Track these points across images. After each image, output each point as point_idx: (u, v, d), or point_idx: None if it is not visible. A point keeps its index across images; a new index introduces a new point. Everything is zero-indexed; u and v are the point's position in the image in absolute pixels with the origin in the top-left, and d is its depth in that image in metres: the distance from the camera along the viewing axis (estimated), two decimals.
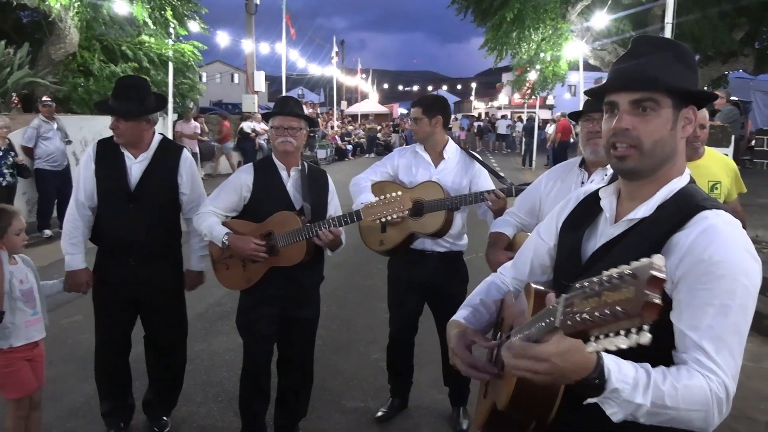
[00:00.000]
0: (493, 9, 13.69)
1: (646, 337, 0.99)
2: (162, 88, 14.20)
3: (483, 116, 54.00)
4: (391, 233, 3.79)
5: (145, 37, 13.61)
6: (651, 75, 1.46)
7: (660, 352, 1.31)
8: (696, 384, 1.33)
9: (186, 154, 3.59)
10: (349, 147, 29.37)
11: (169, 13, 13.11)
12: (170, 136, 14.98)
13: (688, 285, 1.39)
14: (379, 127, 35.02)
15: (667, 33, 8.12)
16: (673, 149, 1.51)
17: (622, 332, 1.00)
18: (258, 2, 22.51)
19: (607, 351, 1.04)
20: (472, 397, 4.06)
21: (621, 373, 1.29)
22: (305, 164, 3.54)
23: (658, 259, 0.99)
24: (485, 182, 3.75)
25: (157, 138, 3.54)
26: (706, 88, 16.28)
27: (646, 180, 1.53)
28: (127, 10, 12.15)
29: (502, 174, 3.91)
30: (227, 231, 3.34)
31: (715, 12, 12.65)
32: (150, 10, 12.68)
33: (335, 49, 37.07)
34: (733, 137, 8.44)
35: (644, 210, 1.51)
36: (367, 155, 29.19)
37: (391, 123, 40.08)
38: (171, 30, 13.62)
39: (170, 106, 14.47)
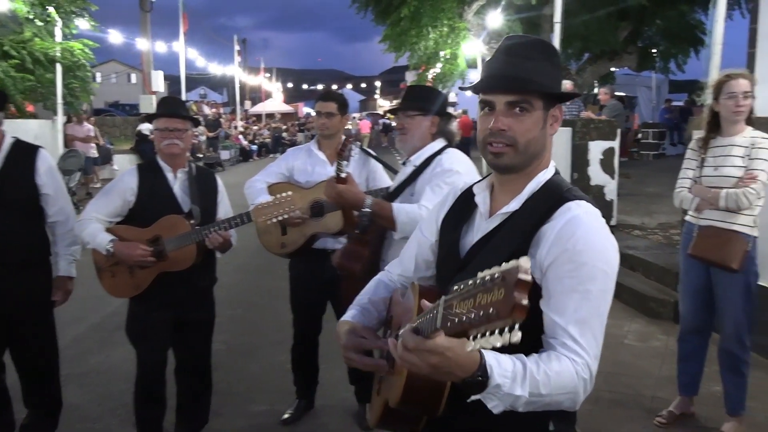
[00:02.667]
0: (392, 7, 13.86)
1: (516, 336, 1.04)
2: (50, 88, 13.45)
3: (387, 114, 54.32)
4: (292, 235, 3.77)
5: (28, 35, 12.81)
6: (526, 78, 1.53)
7: (531, 337, 1.38)
8: (565, 369, 1.41)
9: (43, 153, 3.32)
10: (254, 147, 28.92)
11: (52, 12, 12.43)
12: (60, 139, 14.23)
13: (555, 273, 1.48)
14: (284, 127, 34.68)
15: (557, 32, 8.50)
16: (543, 146, 1.61)
17: (497, 331, 1.05)
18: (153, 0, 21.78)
19: (484, 349, 1.10)
20: None
21: (501, 368, 1.34)
22: (192, 165, 3.46)
23: (524, 261, 1.03)
24: (382, 179, 3.80)
25: (8, 141, 3.26)
26: (595, 84, 17.16)
27: (517, 175, 1.61)
28: (7, 6, 11.43)
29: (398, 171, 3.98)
30: (112, 237, 3.22)
31: (601, 14, 13.33)
32: (31, 6, 11.97)
33: (237, 47, 36.38)
34: (618, 130, 8.91)
35: (515, 204, 1.60)
36: (272, 155, 28.82)
37: (297, 122, 39.79)
38: (57, 27, 12.92)
39: (60, 107, 13.74)
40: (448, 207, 1.83)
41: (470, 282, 1.12)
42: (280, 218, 3.25)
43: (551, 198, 1.56)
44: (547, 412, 1.49)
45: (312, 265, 3.78)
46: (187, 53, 25.08)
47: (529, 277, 1.02)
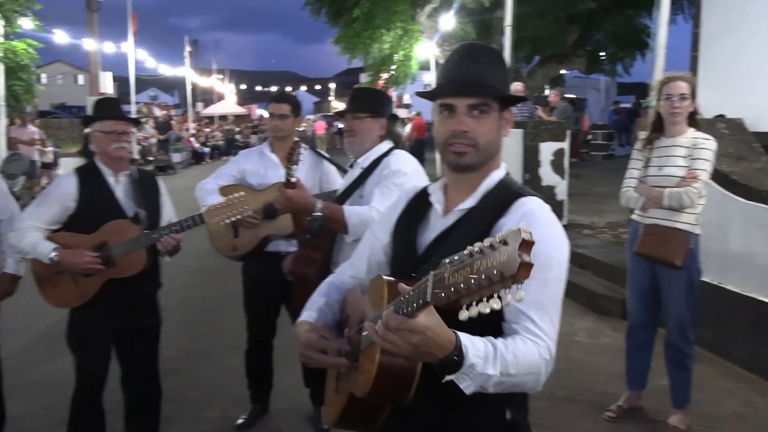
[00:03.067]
0: (345, 9, 13.87)
1: (521, 294, 1.10)
2: None
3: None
4: (244, 238, 3.73)
5: None
6: (486, 83, 1.62)
7: (491, 325, 1.49)
8: (529, 351, 1.49)
9: None
10: (207, 150, 28.51)
11: None
12: (3, 142, 13.77)
13: None
14: (237, 129, 34.29)
15: (508, 35, 8.65)
16: (499, 146, 1.71)
17: (495, 296, 1.11)
18: None
19: (481, 314, 1.14)
20: None
21: (474, 348, 1.40)
22: (133, 168, 3.37)
23: (524, 226, 1.11)
24: (336, 181, 3.79)
25: None
26: (545, 86, 17.49)
27: (472, 174, 1.69)
28: None
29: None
30: (55, 246, 3.09)
31: (550, 18, 13.61)
32: None
33: (188, 48, 35.80)
34: (568, 132, 9.10)
35: (471, 201, 1.68)
36: (225, 158, 28.45)
37: (251, 124, 39.40)
38: None
39: (2, 109, 13.32)
40: (402, 208, 1.89)
41: (465, 252, 1.16)
42: (233, 219, 3.19)
43: (506, 194, 1.66)
44: (504, 401, 1.60)
45: (265, 268, 3.73)
46: (136, 54, 24.56)
47: (533, 238, 1.10)
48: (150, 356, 3.51)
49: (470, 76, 1.63)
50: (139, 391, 3.50)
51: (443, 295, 1.18)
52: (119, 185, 3.27)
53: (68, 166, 17.34)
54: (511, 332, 1.53)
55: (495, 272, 1.09)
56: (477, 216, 1.64)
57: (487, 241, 1.14)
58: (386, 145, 3.03)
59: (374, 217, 2.77)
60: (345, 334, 1.79)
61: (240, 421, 4.01)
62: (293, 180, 2.87)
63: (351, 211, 2.84)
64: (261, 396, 4.12)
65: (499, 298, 1.11)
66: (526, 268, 1.07)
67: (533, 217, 1.57)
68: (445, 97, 1.65)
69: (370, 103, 3.04)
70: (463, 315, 1.16)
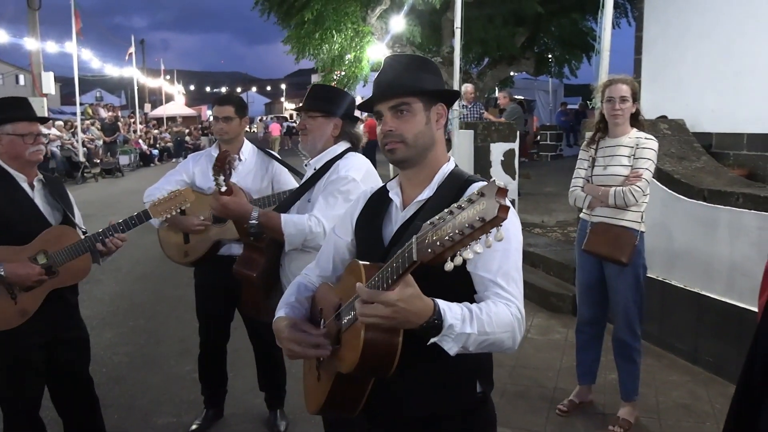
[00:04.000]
0: (295, 9, 13.78)
1: (501, 234, 1.24)
2: None
3: (294, 117, 54.23)
4: (195, 243, 3.68)
5: None
6: (401, 84, 1.79)
7: (465, 298, 1.66)
8: (502, 310, 1.63)
9: None
10: (155, 152, 27.94)
11: None
12: None
13: None
14: (187, 130, 33.71)
15: (457, 38, 8.71)
16: (432, 138, 1.85)
17: (479, 242, 1.24)
18: None
19: (466, 260, 1.27)
20: (289, 397, 4.07)
21: (452, 311, 1.55)
22: (42, 174, 3.15)
23: (495, 180, 1.26)
24: (286, 181, 3.76)
25: None
26: (496, 88, 17.73)
27: (418, 167, 1.85)
28: None
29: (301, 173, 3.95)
30: None
31: (498, 20, 13.80)
32: None
33: (131, 48, 35.01)
34: (518, 133, 9.24)
35: (428, 192, 1.83)
36: (174, 160, 27.94)
37: (200, 125, 38.79)
38: None
39: None
40: (361, 208, 2.02)
41: (444, 212, 1.29)
42: (177, 210, 3.15)
43: (458, 182, 1.80)
44: (474, 372, 1.79)
45: (217, 273, 3.64)
46: (80, 54, 23.91)
47: (506, 186, 1.26)
48: (86, 365, 3.30)
49: (386, 81, 1.82)
50: (79, 405, 3.29)
51: (429, 251, 1.29)
52: (36, 192, 3.04)
53: None
54: (484, 299, 1.68)
55: (477, 218, 1.21)
56: (435, 204, 1.74)
57: (464, 198, 1.27)
58: (341, 146, 2.94)
59: (312, 227, 2.73)
60: (322, 325, 1.88)
61: (194, 426, 3.94)
62: (224, 189, 2.79)
63: (288, 220, 2.78)
64: (215, 401, 4.06)
65: (481, 241, 1.24)
66: (504, 210, 1.20)
67: None
68: (373, 105, 1.84)
69: (324, 101, 2.93)
70: (449, 266, 1.28)
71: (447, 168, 1.87)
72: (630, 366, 3.94)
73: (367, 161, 2.95)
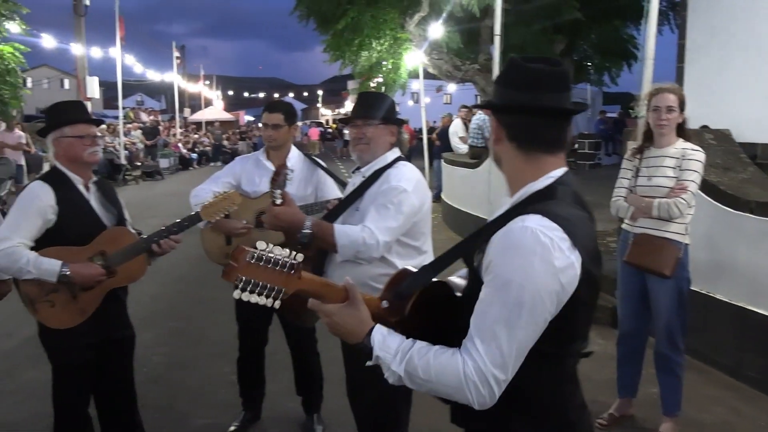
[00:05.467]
0: (335, 17, 13.90)
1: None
2: None
3: (330, 123, 54.70)
4: (237, 246, 3.72)
5: None
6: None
7: (455, 341, 1.58)
8: (451, 365, 1.52)
9: None
10: (194, 155, 28.39)
11: None
12: None
13: (485, 280, 1.55)
14: (225, 135, 34.19)
15: (496, 45, 8.69)
16: (499, 157, 1.74)
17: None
18: (87, 3, 21.14)
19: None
20: (326, 402, 4.08)
21: (385, 343, 1.59)
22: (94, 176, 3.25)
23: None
24: (331, 190, 3.78)
25: None
26: None
27: (510, 187, 1.75)
28: None
29: (347, 180, 3.97)
30: (61, 261, 2.88)
31: (537, 27, 13.73)
32: None
33: (175, 54, 35.67)
34: None
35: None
36: (212, 164, 28.35)
37: (238, 130, 39.31)
38: None
39: None
40: None
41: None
42: (226, 212, 3.22)
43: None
44: (509, 408, 1.58)
45: None
46: (124, 59, 24.45)
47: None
48: (130, 365, 3.39)
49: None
50: (118, 404, 3.36)
51: None
52: (91, 193, 3.13)
53: None
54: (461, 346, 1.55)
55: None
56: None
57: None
58: (392, 154, 2.90)
59: (366, 239, 2.65)
60: None
61: (231, 428, 3.98)
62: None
63: (341, 231, 2.70)
64: (252, 404, 4.10)
65: None
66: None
67: (507, 236, 1.52)
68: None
69: (381, 109, 2.88)
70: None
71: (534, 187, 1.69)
72: (672, 380, 3.87)
73: (418, 171, 2.90)
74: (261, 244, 1.62)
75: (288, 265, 1.64)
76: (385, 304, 1.70)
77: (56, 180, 3.04)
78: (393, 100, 3.02)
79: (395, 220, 2.62)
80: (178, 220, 3.18)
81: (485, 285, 1.53)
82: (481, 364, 1.49)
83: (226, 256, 3.76)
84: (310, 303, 1.69)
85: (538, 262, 1.47)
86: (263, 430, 4.09)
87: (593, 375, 4.88)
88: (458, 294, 1.75)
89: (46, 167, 17.09)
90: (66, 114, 3.08)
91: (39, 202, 2.95)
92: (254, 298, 1.64)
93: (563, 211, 1.55)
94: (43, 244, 2.94)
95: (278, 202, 2.78)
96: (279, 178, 2.82)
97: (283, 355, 4.18)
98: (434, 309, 1.72)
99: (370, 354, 1.60)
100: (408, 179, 2.77)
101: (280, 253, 1.64)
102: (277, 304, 1.65)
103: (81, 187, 3.09)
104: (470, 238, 1.69)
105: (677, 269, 3.66)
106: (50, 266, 2.86)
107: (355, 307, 1.65)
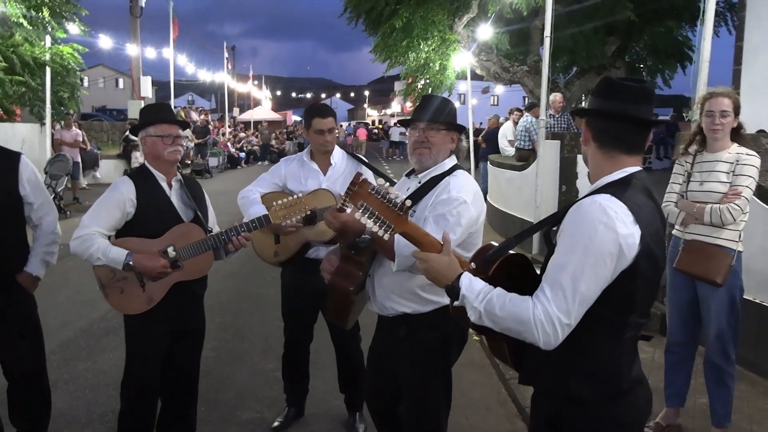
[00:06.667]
0: (384, 18, 13.94)
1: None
2: (39, 93, 13.36)
3: (376, 123, 54.93)
4: (285, 243, 3.78)
5: (18, 38, 12.73)
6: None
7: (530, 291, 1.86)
8: (523, 304, 1.80)
9: (25, 160, 3.31)
10: (242, 155, 28.85)
11: (46, 13, 12.38)
12: (48, 143, 14.13)
13: (557, 244, 1.87)
14: (273, 135, 34.66)
15: (546, 46, 8.58)
16: (586, 155, 2.04)
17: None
18: (143, 5, 21.75)
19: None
20: None
21: (471, 285, 1.88)
22: (182, 174, 3.45)
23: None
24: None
25: None
26: (583, 97, 17.33)
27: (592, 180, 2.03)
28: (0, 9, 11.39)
29: (394, 180, 3.98)
30: (128, 252, 3.10)
31: (589, 28, 13.49)
32: (25, 9, 11.94)
33: (226, 54, 36.34)
34: None
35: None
36: (260, 163, 28.77)
37: (285, 130, 39.79)
38: (48, 31, 12.88)
39: (48, 112, 13.67)
40: None
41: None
42: (295, 219, 3.31)
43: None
44: (564, 369, 1.89)
45: (304, 274, 3.76)
46: (176, 59, 25.04)
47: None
48: (197, 357, 3.57)
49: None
50: (179, 394, 3.54)
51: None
52: (173, 190, 3.33)
53: (108, 168, 17.78)
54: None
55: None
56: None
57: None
58: (450, 161, 2.86)
59: None
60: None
61: (276, 423, 4.06)
62: (348, 211, 2.79)
63: (401, 241, 2.56)
64: (297, 399, 4.17)
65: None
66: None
67: (578, 208, 1.84)
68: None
69: (446, 114, 2.83)
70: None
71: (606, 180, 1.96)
72: (722, 391, 3.77)
73: (475, 182, 2.85)
74: (380, 180, 1.87)
75: (399, 206, 1.92)
76: (473, 265, 1.99)
77: (140, 176, 3.31)
78: (454, 106, 2.96)
79: (454, 232, 2.58)
80: (246, 221, 3.37)
81: (557, 246, 1.84)
82: (548, 306, 1.75)
83: (275, 253, 3.83)
84: (414, 252, 2.02)
85: (603, 228, 1.75)
86: (306, 426, 4.15)
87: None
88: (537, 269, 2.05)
89: (102, 164, 17.67)
90: (150, 115, 3.34)
91: (120, 195, 3.19)
92: (370, 224, 1.91)
93: (632, 196, 1.84)
94: (123, 234, 3.22)
95: (348, 211, 2.77)
96: (353, 188, 2.84)
97: (327, 353, 4.24)
98: (513, 274, 1.97)
99: (457, 295, 1.88)
100: (468, 190, 2.73)
101: (394, 193, 1.90)
102: (387, 236, 1.94)
103: (164, 184, 3.31)
104: (549, 217, 2.02)
105: (729, 277, 3.57)
106: (117, 255, 3.09)
107: (449, 256, 1.98)
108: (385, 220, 1.91)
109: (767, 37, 6.74)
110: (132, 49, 21.52)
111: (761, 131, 5.99)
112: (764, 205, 4.78)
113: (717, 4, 14.14)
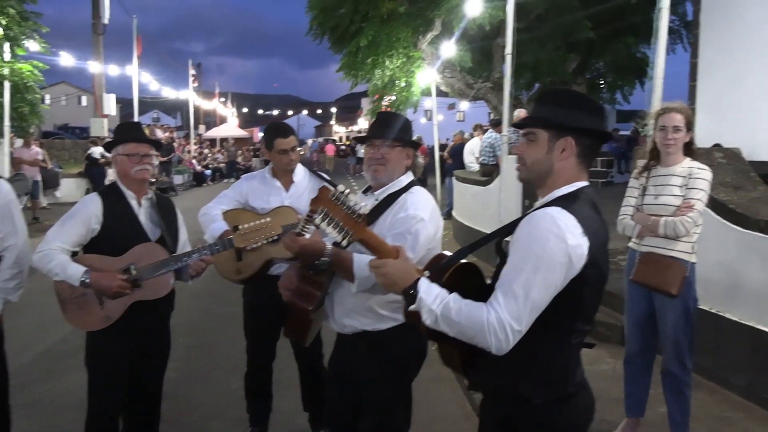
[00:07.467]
0: (349, 35, 14.05)
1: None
2: None
3: (344, 140, 55.05)
4: (248, 261, 3.76)
5: None
6: (533, 116, 2.07)
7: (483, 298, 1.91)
8: (477, 310, 1.86)
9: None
10: (208, 172, 28.62)
11: (0, 34, 12.22)
12: (7, 162, 13.85)
13: (509, 254, 1.94)
14: (239, 152, 34.44)
15: (508, 63, 8.73)
16: (550, 167, 2.01)
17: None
18: (106, 22, 21.51)
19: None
20: None
21: (429, 289, 1.93)
22: (153, 192, 3.44)
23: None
24: None
25: None
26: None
27: (541, 189, 2.06)
28: None
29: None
30: (85, 269, 3.09)
31: (550, 46, 13.78)
32: None
33: (191, 71, 36.11)
34: None
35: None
36: (226, 180, 28.57)
37: (252, 147, 39.58)
38: (6, 49, 12.68)
39: (6, 129, 13.42)
40: None
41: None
42: (261, 243, 3.29)
43: (544, 204, 2.00)
44: (515, 376, 1.96)
45: (266, 292, 3.71)
46: (140, 77, 24.81)
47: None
48: (160, 378, 3.52)
49: (533, 110, 2.14)
50: (141, 415, 3.48)
51: None
52: (142, 209, 3.32)
53: (70, 186, 17.47)
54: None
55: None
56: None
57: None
58: (407, 177, 2.87)
59: None
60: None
61: None
62: (308, 236, 2.75)
63: (360, 262, 2.60)
64: (260, 419, 4.12)
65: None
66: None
67: (530, 219, 1.92)
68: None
69: (401, 130, 2.85)
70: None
71: (557, 193, 2.00)
72: (679, 399, 3.85)
73: (431, 197, 2.87)
74: (341, 187, 1.95)
75: (357, 214, 1.97)
76: (427, 273, 2.02)
77: (110, 193, 3.32)
78: (410, 122, 2.97)
79: (413, 250, 2.59)
80: (210, 243, 3.35)
81: (510, 255, 1.91)
82: (501, 313, 1.82)
83: (237, 271, 3.80)
84: (371, 261, 2.06)
85: (554, 239, 1.84)
86: None
87: (602, 394, 4.84)
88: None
89: (63, 183, 17.36)
90: (120, 133, 3.37)
91: (85, 211, 3.21)
92: (329, 230, 1.95)
93: (580, 209, 1.93)
94: (89, 250, 3.22)
95: (307, 236, 2.76)
96: (314, 215, 2.84)
97: (291, 372, 4.21)
98: (464, 283, 2.02)
99: (414, 298, 1.92)
100: (425, 207, 2.74)
101: (354, 200, 1.94)
102: (345, 242, 1.99)
103: (133, 202, 3.30)
104: (500, 229, 2.09)
105: (684, 288, 3.66)
106: (74, 272, 3.08)
107: (406, 262, 2.06)
108: (344, 227, 1.95)
109: (721, 54, 6.94)
110: (94, 67, 21.24)
111: (716, 145, 6.15)
112: (719, 218, 4.91)
113: (672, 21, 14.60)
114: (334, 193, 1.85)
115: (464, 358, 2.06)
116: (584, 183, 2.04)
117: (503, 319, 1.82)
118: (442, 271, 2.04)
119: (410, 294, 1.94)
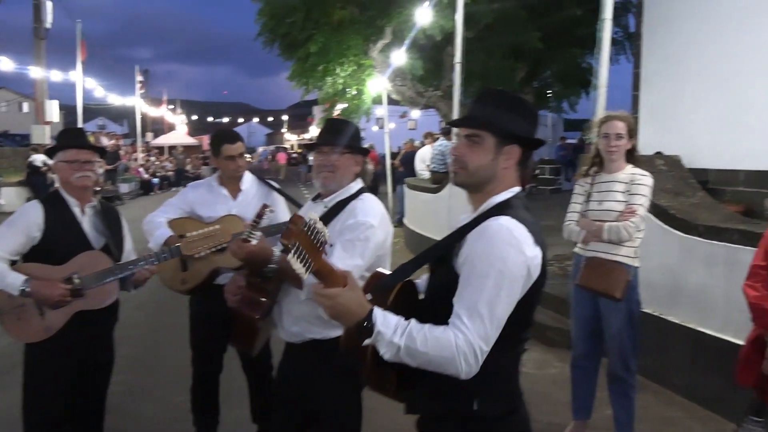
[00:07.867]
0: (299, 42, 13.99)
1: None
2: None
3: (295, 148, 54.81)
4: (194, 271, 3.67)
5: None
6: (477, 116, 1.96)
7: (441, 321, 1.80)
8: (444, 335, 1.76)
9: None
10: (156, 180, 28.05)
11: None
12: None
13: (464, 270, 1.83)
14: (188, 159, 33.86)
15: (457, 71, 8.83)
16: (494, 174, 1.95)
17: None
18: (49, 27, 20.92)
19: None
20: None
21: (385, 320, 1.77)
22: (98, 201, 3.35)
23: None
24: (282, 212, 3.78)
25: None
26: None
27: (476, 194, 1.99)
28: None
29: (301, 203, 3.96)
30: (25, 277, 2.98)
31: (498, 55, 14.01)
32: None
33: (138, 78, 35.39)
34: None
35: (466, 217, 2.00)
36: (174, 188, 28.01)
37: (201, 155, 38.98)
38: None
39: None
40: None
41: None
42: (209, 251, 3.22)
43: (489, 213, 1.90)
44: (472, 391, 1.85)
45: (213, 301, 3.63)
46: (85, 83, 24.16)
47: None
48: (104, 392, 3.42)
49: (470, 111, 2.04)
50: (83, 430, 3.38)
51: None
52: (85, 216, 3.23)
53: (10, 195, 16.88)
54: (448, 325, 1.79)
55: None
56: (463, 228, 1.94)
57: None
58: (357, 184, 2.84)
59: None
60: None
61: None
62: (254, 243, 2.74)
63: None
64: None
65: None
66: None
67: (484, 232, 1.83)
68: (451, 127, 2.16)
69: (350, 137, 2.81)
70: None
71: (496, 199, 1.95)
72: (624, 401, 3.92)
73: (381, 204, 2.84)
74: (313, 215, 1.76)
75: (320, 242, 1.75)
76: (369, 296, 1.85)
77: (51, 200, 3.22)
78: (359, 129, 2.95)
79: (362, 257, 2.57)
80: (156, 251, 3.27)
81: (465, 274, 1.81)
82: (470, 336, 1.74)
83: (182, 281, 3.71)
84: (313, 288, 1.79)
85: (513, 252, 1.79)
86: None
87: (550, 397, 4.93)
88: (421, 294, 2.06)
89: (3, 191, 16.77)
90: (60, 140, 3.29)
91: (25, 219, 3.11)
92: (296, 265, 1.70)
93: (525, 216, 1.89)
94: (30, 258, 3.10)
95: (254, 242, 2.74)
96: (261, 219, 2.87)
97: (238, 383, 4.13)
98: (407, 302, 1.95)
99: (370, 332, 1.75)
100: (374, 214, 2.72)
101: (321, 228, 1.75)
102: (306, 274, 1.71)
103: (76, 210, 3.21)
104: (443, 241, 1.96)
105: (628, 292, 3.73)
106: (14, 280, 2.97)
107: (356, 291, 1.81)
108: (307, 258, 1.73)
109: (662, 64, 7.15)
110: (36, 72, 20.62)
111: (658, 153, 6.33)
112: (661, 223, 5.04)
113: (615, 33, 15.01)
114: (307, 224, 1.70)
115: (400, 382, 1.94)
116: (518, 188, 2.00)
117: (472, 342, 1.74)
118: (384, 293, 1.91)
119: (365, 327, 1.76)
